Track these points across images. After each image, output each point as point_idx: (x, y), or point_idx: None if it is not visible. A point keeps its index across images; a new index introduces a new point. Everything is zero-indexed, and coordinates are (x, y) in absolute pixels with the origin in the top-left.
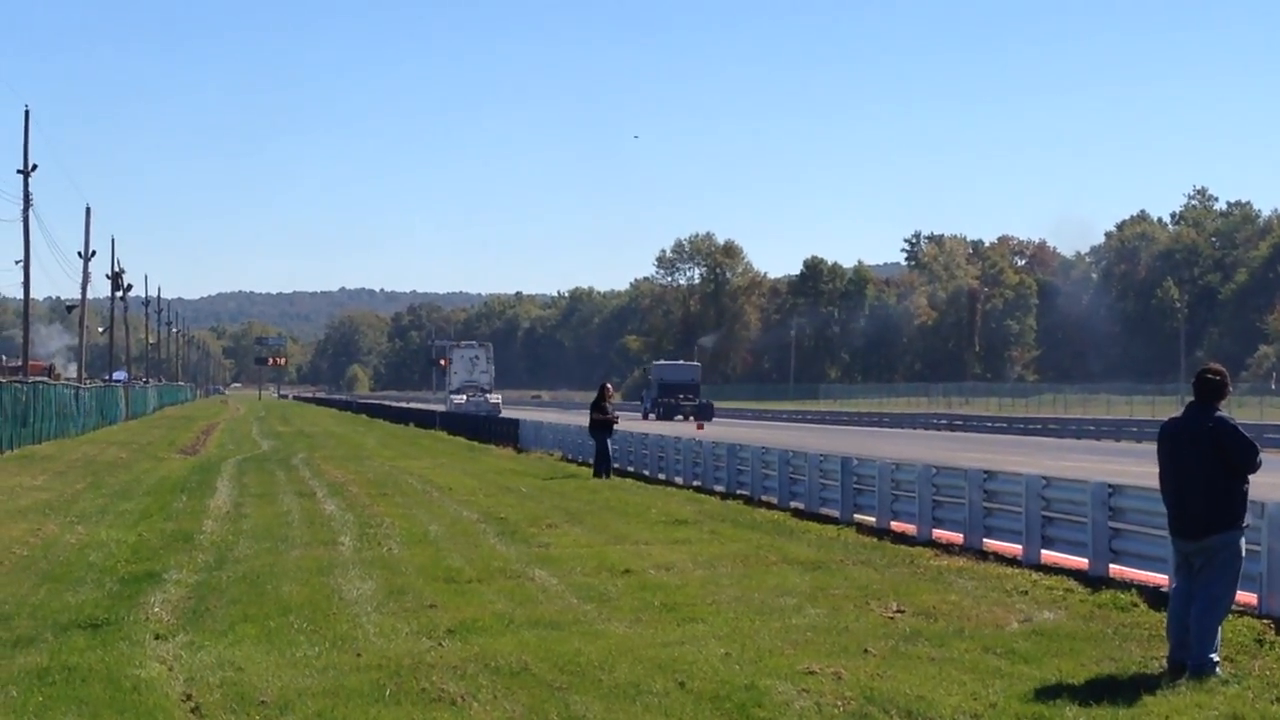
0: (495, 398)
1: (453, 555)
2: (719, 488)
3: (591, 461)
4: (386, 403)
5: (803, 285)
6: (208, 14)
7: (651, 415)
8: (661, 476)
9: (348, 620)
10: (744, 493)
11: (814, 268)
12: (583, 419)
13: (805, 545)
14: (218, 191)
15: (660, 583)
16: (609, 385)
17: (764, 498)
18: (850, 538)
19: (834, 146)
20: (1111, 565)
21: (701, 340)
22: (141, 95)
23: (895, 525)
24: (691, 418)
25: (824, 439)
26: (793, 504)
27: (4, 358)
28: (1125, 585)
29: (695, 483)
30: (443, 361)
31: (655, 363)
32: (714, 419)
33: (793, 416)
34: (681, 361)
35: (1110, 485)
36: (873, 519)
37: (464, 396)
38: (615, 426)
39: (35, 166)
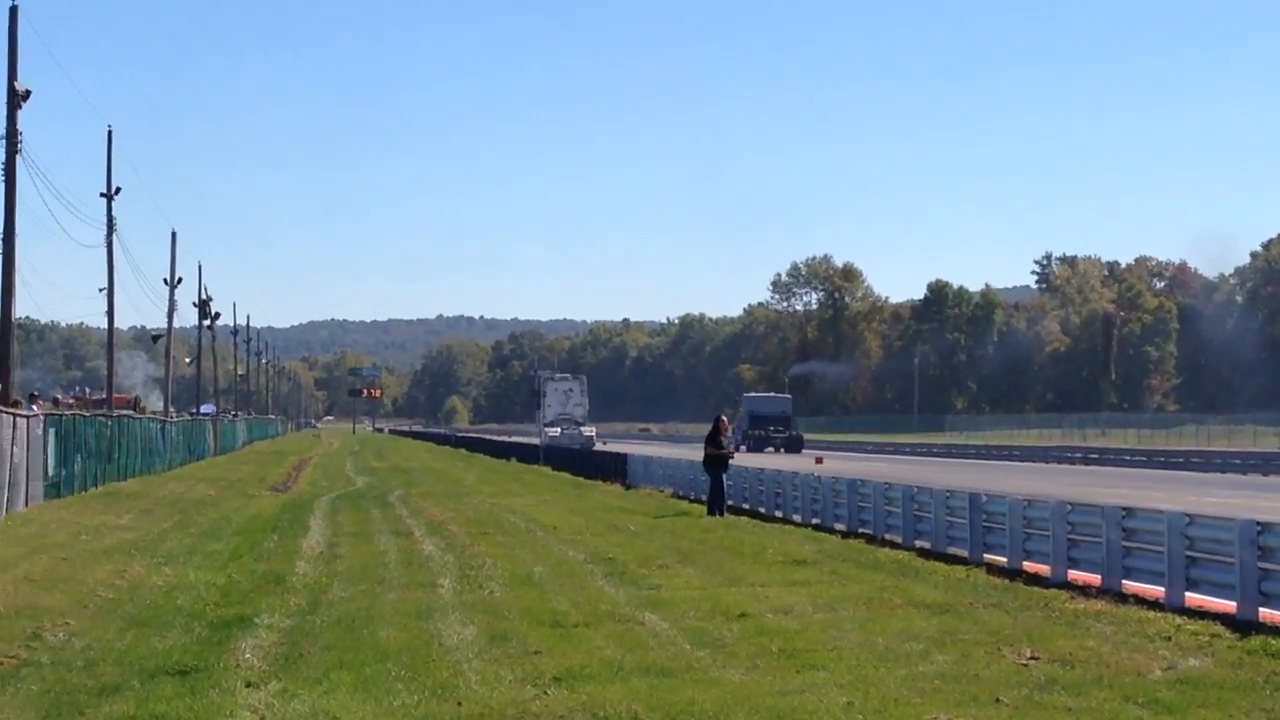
0: (590, 430)
1: (558, 598)
2: (839, 526)
3: (705, 498)
4: (487, 436)
5: (926, 310)
6: (298, 35)
7: (743, 447)
8: (778, 514)
9: (448, 667)
10: (866, 531)
11: (938, 291)
12: (694, 453)
13: (932, 587)
14: (309, 216)
15: (778, 627)
16: (724, 418)
17: (887, 536)
18: (980, 579)
19: (959, 164)
20: (1261, 609)
21: (797, 369)
22: (230, 117)
23: (1028, 566)
24: (781, 449)
25: (950, 474)
26: (918, 543)
27: (88, 390)
28: (1276, 630)
29: (814, 521)
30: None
31: (747, 394)
32: (834, 453)
33: (917, 450)
34: (773, 393)
35: (1259, 523)
36: (1004, 559)
37: (558, 429)
38: (730, 461)
39: (119, 189)
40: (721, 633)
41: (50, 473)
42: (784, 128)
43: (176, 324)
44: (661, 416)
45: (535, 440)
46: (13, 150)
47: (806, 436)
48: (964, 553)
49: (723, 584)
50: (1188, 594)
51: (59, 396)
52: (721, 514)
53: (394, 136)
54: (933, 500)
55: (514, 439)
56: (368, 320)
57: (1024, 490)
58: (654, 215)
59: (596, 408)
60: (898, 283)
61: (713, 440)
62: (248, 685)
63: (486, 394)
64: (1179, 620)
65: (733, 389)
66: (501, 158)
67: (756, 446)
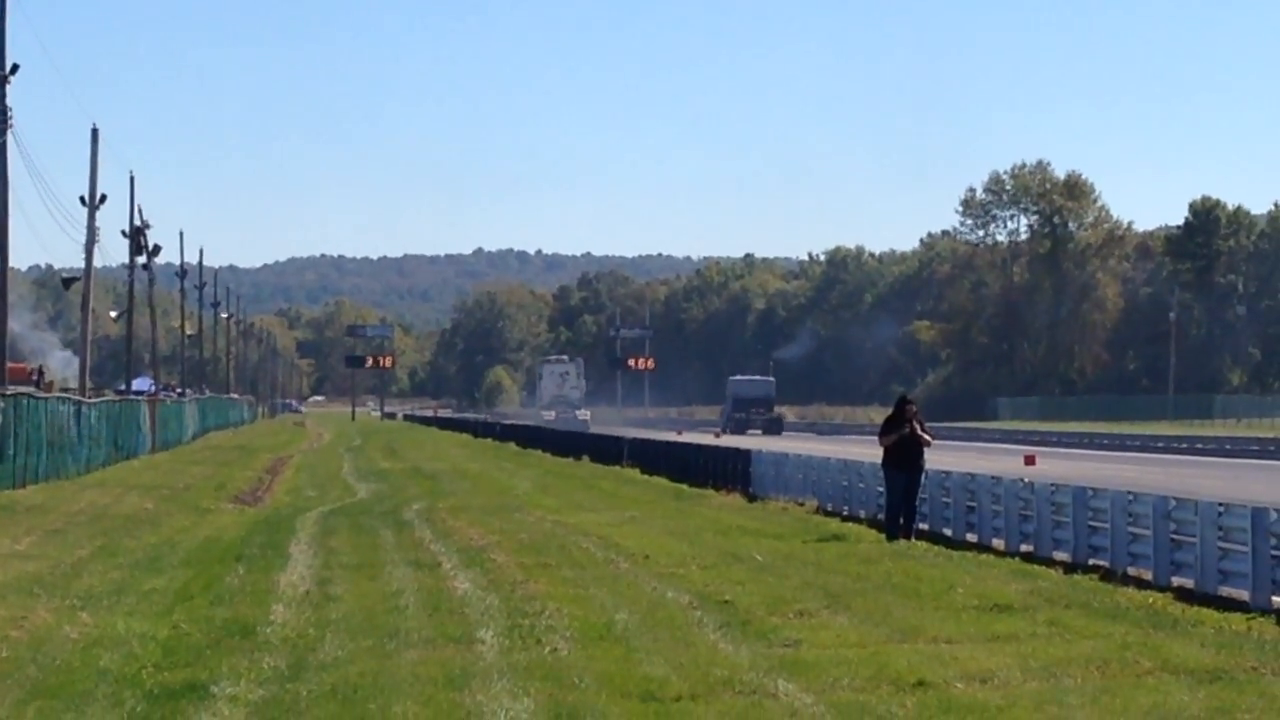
0: (584, 414)
1: (652, 659)
2: (1061, 555)
3: (874, 515)
4: (546, 424)
5: (1187, 242)
6: None
7: (726, 431)
8: (971, 537)
9: None
10: (1100, 563)
11: (1205, 213)
12: (846, 448)
13: (1197, 644)
14: (287, 109)
15: (972, 702)
16: (910, 399)
17: (1132, 570)
18: (1269, 632)
19: (1224, 38)
20: None
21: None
22: None
23: None
24: (761, 431)
25: (1223, 480)
26: (1176, 580)
27: None
28: None
29: (1025, 547)
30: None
31: (731, 378)
32: (1051, 449)
33: (1174, 445)
34: (757, 377)
35: None
36: None
37: (553, 413)
38: (924, 462)
39: (16, 67)
40: (889, 710)
41: None
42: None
43: (99, 262)
44: (802, 396)
45: (618, 431)
46: None
47: (1007, 425)
48: (1244, 594)
49: (891, 639)
50: None
51: None
52: (909, 537)
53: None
54: (1199, 518)
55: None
56: (374, 257)
57: None
58: (786, 109)
59: (705, 382)
60: (1143, 202)
61: (894, 429)
62: None
63: (547, 362)
64: None
65: (905, 357)
66: (566, 31)
67: (738, 429)
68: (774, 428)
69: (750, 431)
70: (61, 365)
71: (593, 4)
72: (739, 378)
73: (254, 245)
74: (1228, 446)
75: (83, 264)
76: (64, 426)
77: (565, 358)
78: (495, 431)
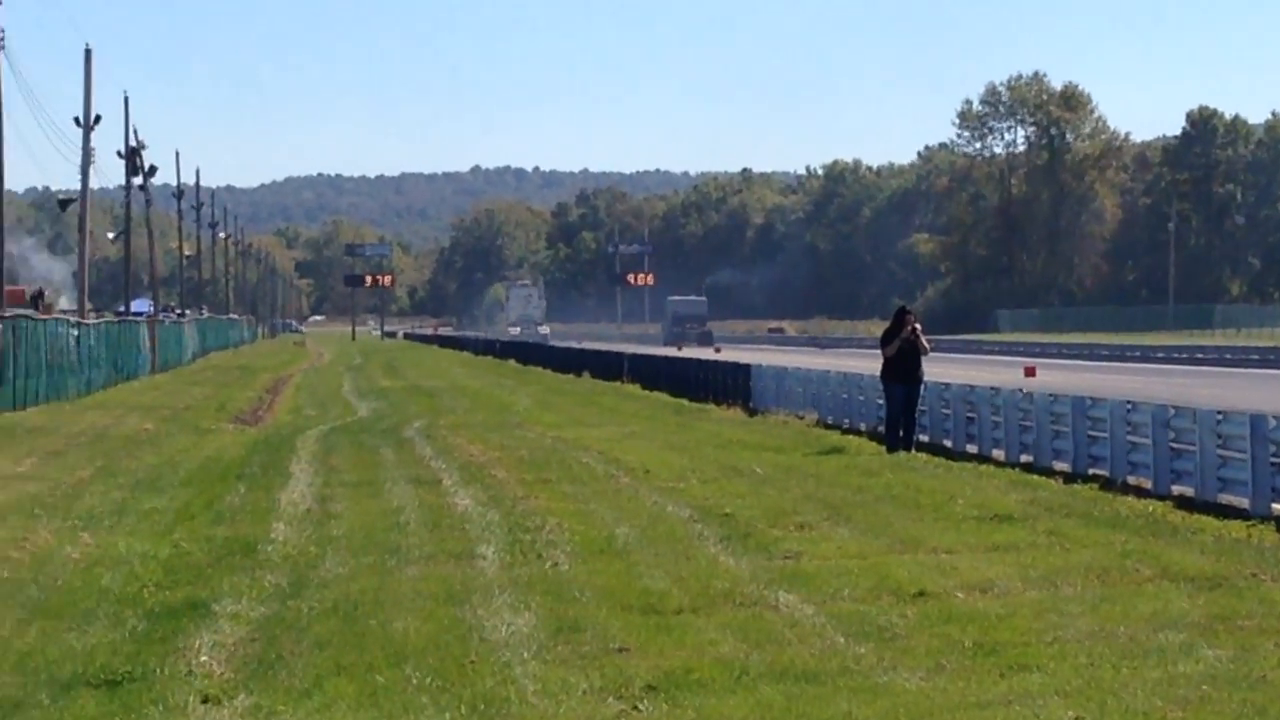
0: (545, 329)
1: (653, 572)
2: (1061, 465)
3: (874, 427)
4: (513, 338)
5: (1185, 152)
6: None
7: (667, 343)
8: (971, 449)
9: (493, 673)
10: (1099, 472)
11: (1203, 123)
12: (845, 362)
13: (1196, 551)
14: (282, 27)
15: (972, 611)
16: (909, 309)
17: (1131, 479)
18: (1269, 539)
19: None
20: None
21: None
22: None
23: None
24: (696, 343)
25: (1223, 389)
26: (1176, 489)
27: None
28: None
29: (1024, 458)
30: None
31: (670, 298)
32: (1050, 361)
33: (1174, 355)
34: (693, 297)
35: None
36: None
37: (519, 329)
38: (923, 374)
39: None
40: (890, 620)
41: None
42: None
43: (95, 183)
44: (800, 310)
45: (618, 347)
46: None
47: (1007, 337)
48: (1244, 502)
49: (891, 550)
50: None
51: None
52: (909, 448)
53: None
54: (1198, 427)
55: (586, 345)
56: (371, 176)
57: None
58: (782, 23)
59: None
60: (1141, 114)
61: (894, 338)
62: (204, 700)
63: (547, 280)
64: None
65: (904, 270)
66: None
67: (674, 342)
68: (706, 340)
69: (685, 344)
70: (45, 272)
71: None
72: (676, 298)
73: (251, 165)
74: (1227, 356)
75: (79, 186)
76: (64, 348)
77: (528, 281)
78: (495, 349)
